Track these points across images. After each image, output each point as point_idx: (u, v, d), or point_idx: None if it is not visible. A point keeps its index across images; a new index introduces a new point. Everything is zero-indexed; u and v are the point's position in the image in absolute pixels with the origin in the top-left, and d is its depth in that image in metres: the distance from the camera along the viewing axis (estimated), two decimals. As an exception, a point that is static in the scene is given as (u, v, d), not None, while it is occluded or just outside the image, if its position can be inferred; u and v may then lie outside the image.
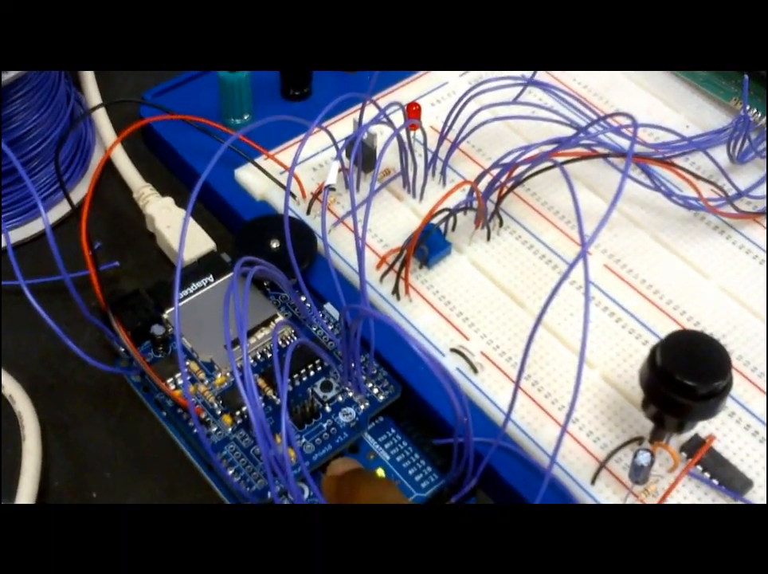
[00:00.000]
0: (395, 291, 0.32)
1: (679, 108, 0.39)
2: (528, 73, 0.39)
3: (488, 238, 0.34)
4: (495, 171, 0.34)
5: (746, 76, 0.34)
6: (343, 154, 0.34)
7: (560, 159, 0.33)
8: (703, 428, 0.29)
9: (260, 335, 0.31)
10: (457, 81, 0.40)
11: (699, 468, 0.28)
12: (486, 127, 0.36)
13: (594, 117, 0.37)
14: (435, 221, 0.33)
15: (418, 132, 0.35)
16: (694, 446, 0.29)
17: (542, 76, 0.40)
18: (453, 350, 0.31)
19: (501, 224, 0.34)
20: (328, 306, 0.32)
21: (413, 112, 0.35)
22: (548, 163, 0.34)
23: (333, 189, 0.32)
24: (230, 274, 0.32)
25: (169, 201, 0.35)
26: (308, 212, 0.35)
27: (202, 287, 0.32)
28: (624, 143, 0.37)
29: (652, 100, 0.40)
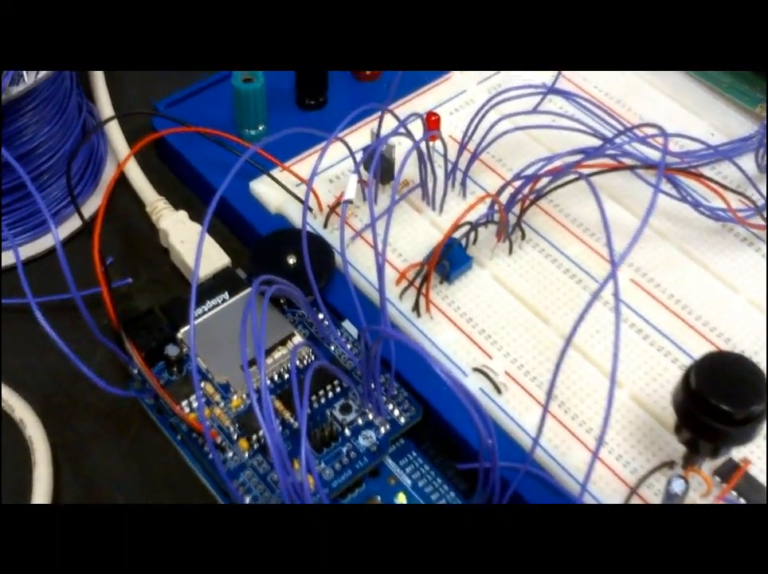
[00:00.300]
0: (416, 308, 0.31)
1: (704, 114, 0.38)
2: (549, 81, 0.38)
3: (510, 252, 0.33)
4: (517, 183, 0.33)
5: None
6: (361, 166, 0.33)
7: (586, 171, 0.32)
8: (737, 451, 0.28)
9: (276, 355, 0.30)
10: (476, 90, 0.39)
11: (734, 493, 0.27)
12: (507, 137, 0.35)
13: (617, 125, 0.36)
14: (456, 235, 0.32)
15: (437, 143, 0.34)
16: (728, 470, 0.27)
17: (562, 83, 0.39)
18: (476, 369, 0.30)
19: (523, 237, 0.34)
20: (347, 324, 0.31)
21: (432, 122, 0.34)
22: (573, 175, 0.33)
23: (351, 202, 0.31)
24: (246, 291, 0.31)
25: (183, 215, 0.34)
26: (325, 226, 0.34)
27: (217, 305, 0.31)
28: (650, 153, 0.36)
29: (675, 107, 0.39)
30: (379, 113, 0.33)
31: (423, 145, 0.33)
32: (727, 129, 0.38)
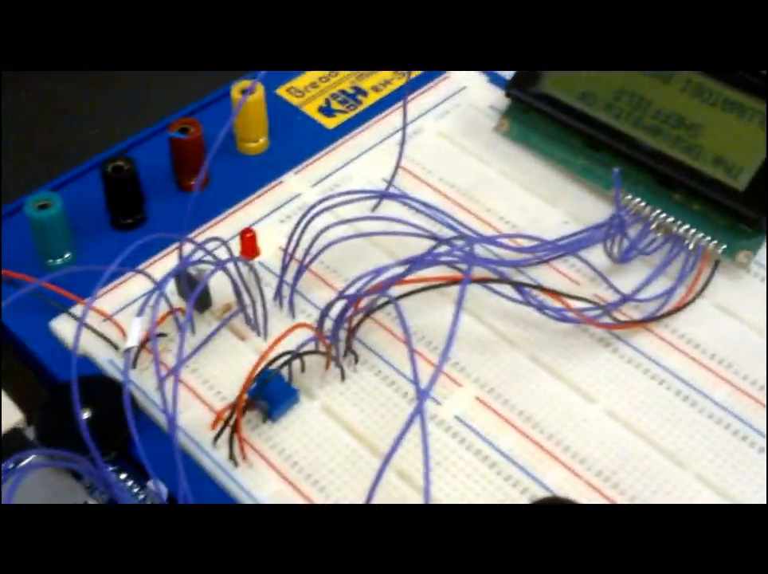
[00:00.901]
0: (231, 456, 0.28)
1: (557, 202, 0.36)
2: (383, 185, 0.36)
3: (343, 378, 0.30)
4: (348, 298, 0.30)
5: (616, 170, 0.31)
6: (174, 293, 0.30)
7: (398, 291, 0.29)
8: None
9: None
10: (310, 193, 0.36)
11: None
12: (343, 243, 0.32)
13: (457, 223, 0.34)
14: (278, 364, 0.29)
15: (271, 257, 0.31)
16: None
17: (404, 178, 0.36)
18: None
19: (356, 360, 0.30)
20: (154, 483, 0.27)
21: (246, 240, 0.31)
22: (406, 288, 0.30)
23: (133, 350, 0.28)
24: (32, 457, 0.27)
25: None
26: (134, 365, 0.30)
27: None
28: (500, 252, 0.33)
29: (527, 196, 0.36)
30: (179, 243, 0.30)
31: (239, 265, 0.30)
32: (582, 215, 0.35)
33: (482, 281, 0.30)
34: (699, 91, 0.34)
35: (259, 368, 0.28)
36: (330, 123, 0.39)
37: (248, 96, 0.35)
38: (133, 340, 0.27)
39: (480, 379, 0.30)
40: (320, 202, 0.32)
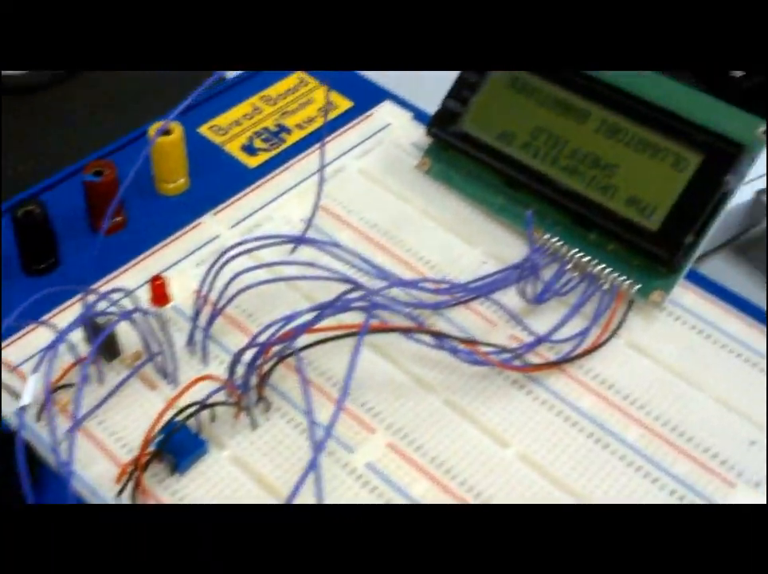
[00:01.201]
0: (135, 511, 0.27)
1: (477, 242, 0.36)
2: (303, 225, 0.35)
3: (253, 427, 0.30)
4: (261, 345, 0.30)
5: (529, 212, 0.31)
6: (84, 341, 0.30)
7: (316, 335, 0.29)
8: None
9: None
10: (228, 235, 0.35)
11: None
12: (261, 286, 0.32)
13: (374, 267, 0.34)
14: (186, 414, 0.28)
15: (185, 302, 0.31)
16: None
17: (323, 218, 0.36)
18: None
19: (268, 408, 0.30)
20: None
21: (156, 287, 0.31)
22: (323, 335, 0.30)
23: (27, 408, 0.27)
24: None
25: None
26: (38, 418, 0.29)
27: None
28: (420, 295, 0.33)
29: (447, 236, 0.36)
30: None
31: (150, 312, 0.29)
32: (501, 255, 0.35)
33: (386, 331, 0.30)
34: (613, 131, 0.34)
35: (163, 420, 0.27)
36: (252, 161, 0.39)
37: (160, 136, 0.35)
38: (27, 398, 0.26)
39: (394, 425, 0.30)
40: (233, 247, 0.32)
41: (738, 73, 0.40)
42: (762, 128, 0.32)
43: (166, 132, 0.36)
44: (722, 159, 0.32)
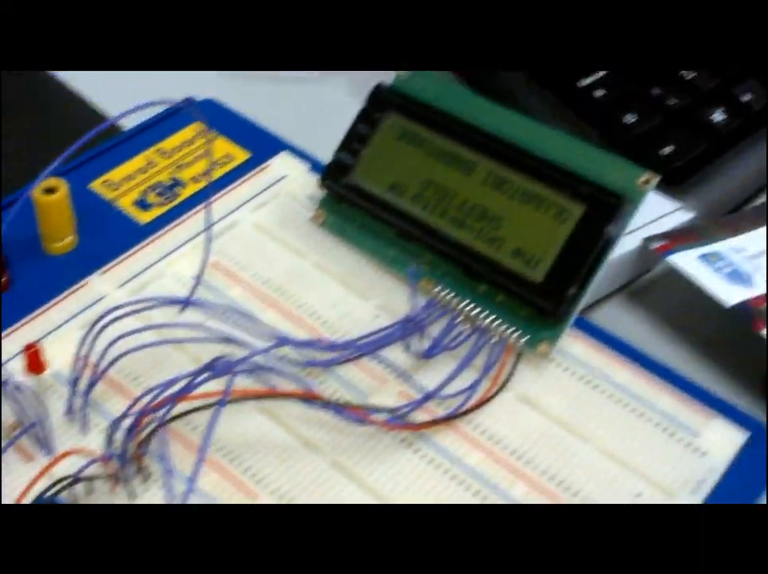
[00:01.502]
0: (3, 594, 0.26)
1: (370, 295, 0.36)
2: (191, 285, 0.35)
3: (130, 499, 0.29)
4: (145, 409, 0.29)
5: (411, 268, 0.31)
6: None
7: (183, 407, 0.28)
8: None
9: None
10: (116, 295, 0.35)
11: None
12: (146, 349, 0.31)
13: (262, 326, 0.33)
14: (57, 488, 0.27)
15: (66, 367, 0.30)
16: None
17: (213, 275, 0.36)
18: None
19: (147, 478, 0.29)
20: None
21: (30, 356, 0.30)
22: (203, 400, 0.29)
23: None
24: None
25: None
26: None
27: None
28: (310, 354, 0.33)
29: (341, 290, 0.36)
30: None
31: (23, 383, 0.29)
32: (394, 308, 0.35)
33: (259, 397, 0.29)
34: (499, 183, 0.34)
35: (32, 492, 0.27)
36: (145, 217, 0.38)
37: (43, 195, 0.34)
38: None
39: (279, 489, 0.29)
40: (115, 308, 0.31)
41: (631, 119, 0.41)
42: (643, 178, 0.33)
43: (50, 190, 0.35)
44: (603, 210, 0.32)
